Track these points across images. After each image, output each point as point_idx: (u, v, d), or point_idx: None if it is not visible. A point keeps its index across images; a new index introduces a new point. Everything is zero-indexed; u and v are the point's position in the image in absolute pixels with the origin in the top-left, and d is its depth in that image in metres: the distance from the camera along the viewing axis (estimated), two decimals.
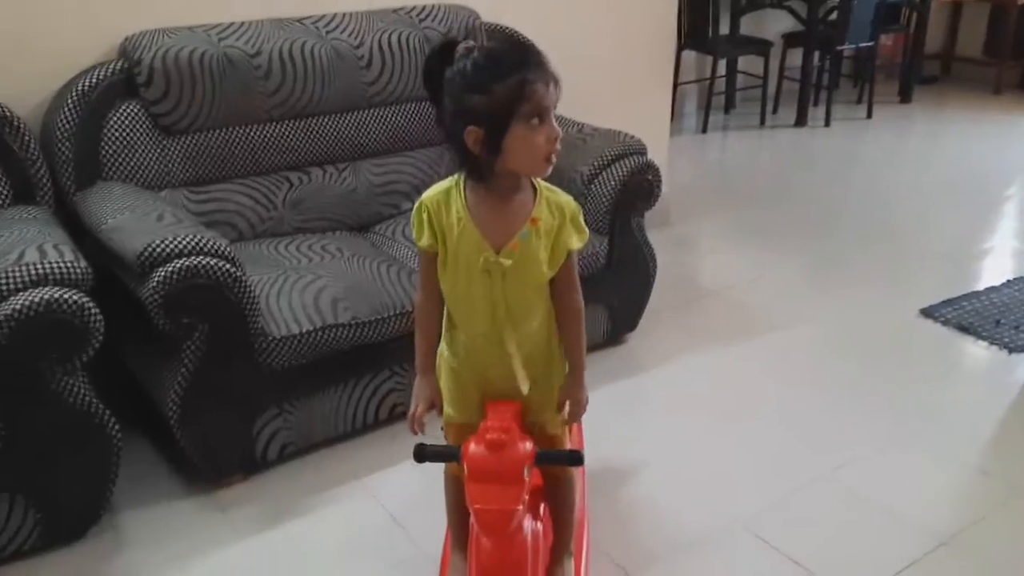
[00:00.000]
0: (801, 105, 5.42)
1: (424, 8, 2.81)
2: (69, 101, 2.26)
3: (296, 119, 2.58)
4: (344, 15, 2.66)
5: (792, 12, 5.40)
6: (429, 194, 1.44)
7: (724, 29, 5.37)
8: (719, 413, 2.47)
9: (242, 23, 2.50)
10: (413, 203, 1.49)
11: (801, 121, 5.43)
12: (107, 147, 2.32)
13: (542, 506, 1.65)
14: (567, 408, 1.54)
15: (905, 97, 5.95)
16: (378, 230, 2.68)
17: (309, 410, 2.20)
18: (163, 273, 1.88)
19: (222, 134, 2.47)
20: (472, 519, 1.36)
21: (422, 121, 2.79)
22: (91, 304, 1.79)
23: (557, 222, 1.42)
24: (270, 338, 2.06)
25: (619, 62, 3.41)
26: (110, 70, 2.33)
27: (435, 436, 1.50)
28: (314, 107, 2.59)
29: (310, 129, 2.61)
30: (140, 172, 2.37)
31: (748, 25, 5.58)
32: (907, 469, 2.23)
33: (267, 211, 2.55)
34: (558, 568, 1.68)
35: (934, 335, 2.91)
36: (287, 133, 2.57)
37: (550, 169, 1.37)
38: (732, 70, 5.73)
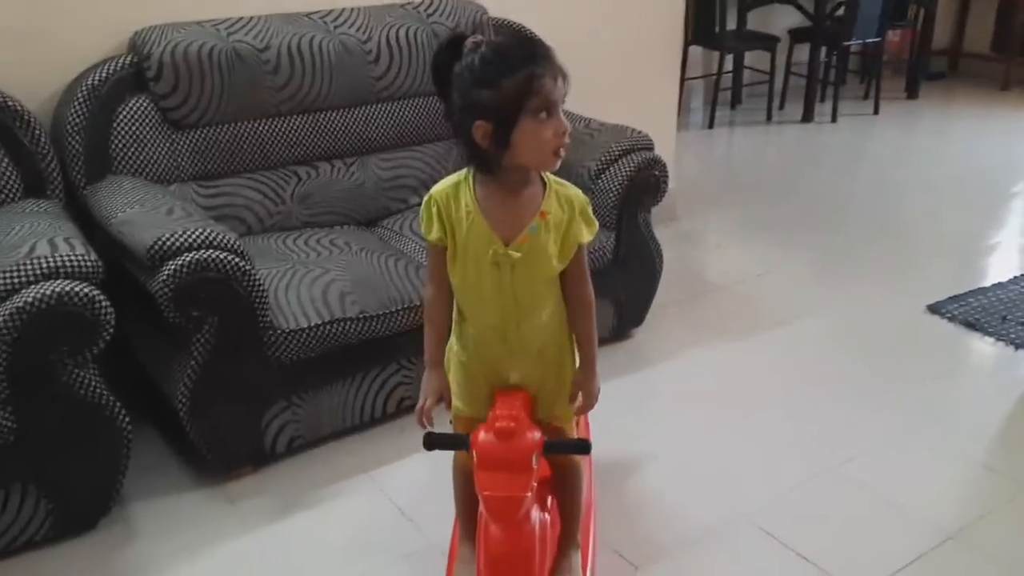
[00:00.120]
0: (808, 101, 5.41)
1: (432, 3, 2.81)
2: (79, 95, 2.27)
3: (304, 114, 2.59)
4: (352, 10, 2.67)
5: (799, 8, 5.40)
6: (438, 188, 1.44)
7: (731, 24, 5.37)
8: (726, 408, 2.48)
9: (251, 18, 2.51)
10: (421, 198, 1.50)
11: (808, 117, 5.42)
12: (117, 141, 2.33)
13: (550, 498, 1.66)
14: (579, 399, 1.55)
15: (912, 93, 5.94)
16: (386, 224, 2.69)
17: (317, 403, 2.21)
18: (173, 266, 1.89)
19: (231, 129, 2.48)
20: (481, 507, 1.37)
21: (430, 116, 2.80)
22: (102, 297, 1.81)
23: (567, 216, 1.43)
24: (279, 331, 2.07)
25: (626, 57, 3.41)
26: (120, 65, 2.34)
27: (443, 429, 1.50)
28: (322, 102, 2.60)
29: (318, 124, 2.62)
30: (149, 166, 2.38)
31: (755, 21, 5.57)
32: (913, 464, 2.23)
33: (275, 205, 2.56)
34: (565, 560, 1.67)
35: (941, 331, 2.91)
36: (295, 128, 2.58)
37: (559, 163, 1.37)
38: (739, 65, 5.72)
